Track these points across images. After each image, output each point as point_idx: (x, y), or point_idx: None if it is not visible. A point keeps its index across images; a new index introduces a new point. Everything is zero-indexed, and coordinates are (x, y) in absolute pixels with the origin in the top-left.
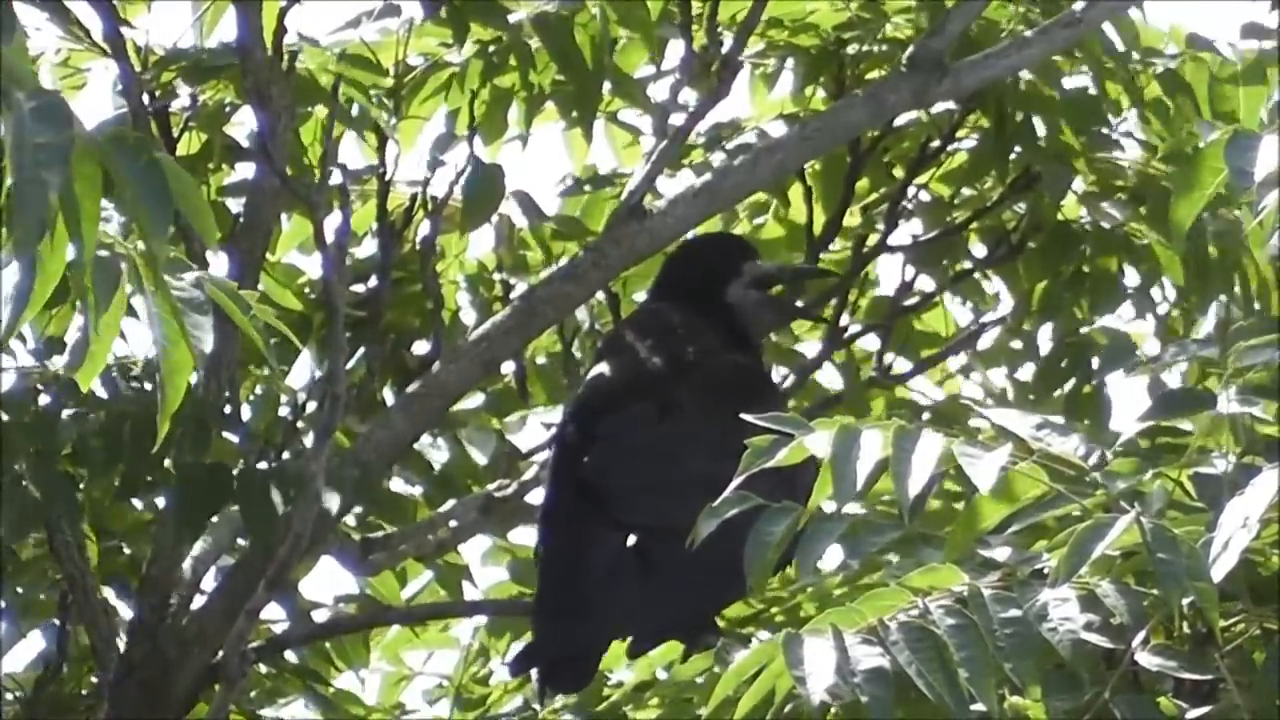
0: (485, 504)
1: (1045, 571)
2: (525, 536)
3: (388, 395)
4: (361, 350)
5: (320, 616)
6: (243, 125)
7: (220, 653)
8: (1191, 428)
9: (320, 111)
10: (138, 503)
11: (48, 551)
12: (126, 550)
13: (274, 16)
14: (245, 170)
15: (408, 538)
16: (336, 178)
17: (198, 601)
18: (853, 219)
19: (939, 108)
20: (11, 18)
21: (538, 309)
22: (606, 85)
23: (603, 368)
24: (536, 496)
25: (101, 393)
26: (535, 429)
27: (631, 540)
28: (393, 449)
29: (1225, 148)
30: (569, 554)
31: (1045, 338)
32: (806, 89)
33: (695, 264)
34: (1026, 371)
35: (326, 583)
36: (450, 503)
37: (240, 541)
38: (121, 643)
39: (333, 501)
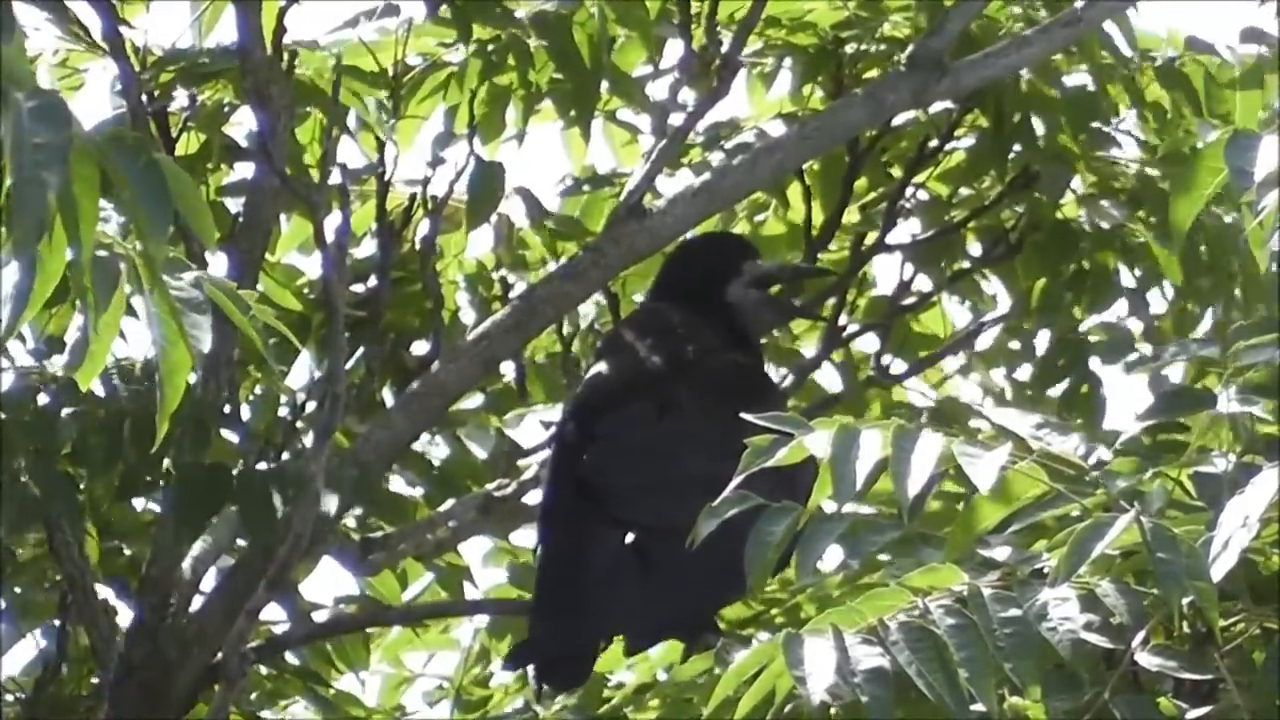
0: (484, 503)
1: (1045, 571)
2: (526, 538)
3: (387, 395)
4: (361, 350)
5: (320, 617)
6: (241, 125)
7: (220, 653)
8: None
9: (319, 112)
10: (138, 503)
11: (47, 551)
12: (126, 550)
13: (273, 16)
14: (244, 170)
15: (407, 537)
16: (336, 177)
17: (197, 602)
18: (851, 218)
19: (937, 107)
20: (11, 18)
21: (537, 308)
22: (605, 84)
23: (602, 367)
24: (536, 497)
25: (101, 392)
26: (534, 427)
27: (630, 539)
28: (392, 449)
29: (1225, 148)
30: (568, 552)
31: (1043, 337)
32: (804, 88)
33: (695, 263)
34: (1025, 372)
35: (327, 584)
36: (450, 502)
37: (240, 542)
38: (121, 643)
39: (331, 503)
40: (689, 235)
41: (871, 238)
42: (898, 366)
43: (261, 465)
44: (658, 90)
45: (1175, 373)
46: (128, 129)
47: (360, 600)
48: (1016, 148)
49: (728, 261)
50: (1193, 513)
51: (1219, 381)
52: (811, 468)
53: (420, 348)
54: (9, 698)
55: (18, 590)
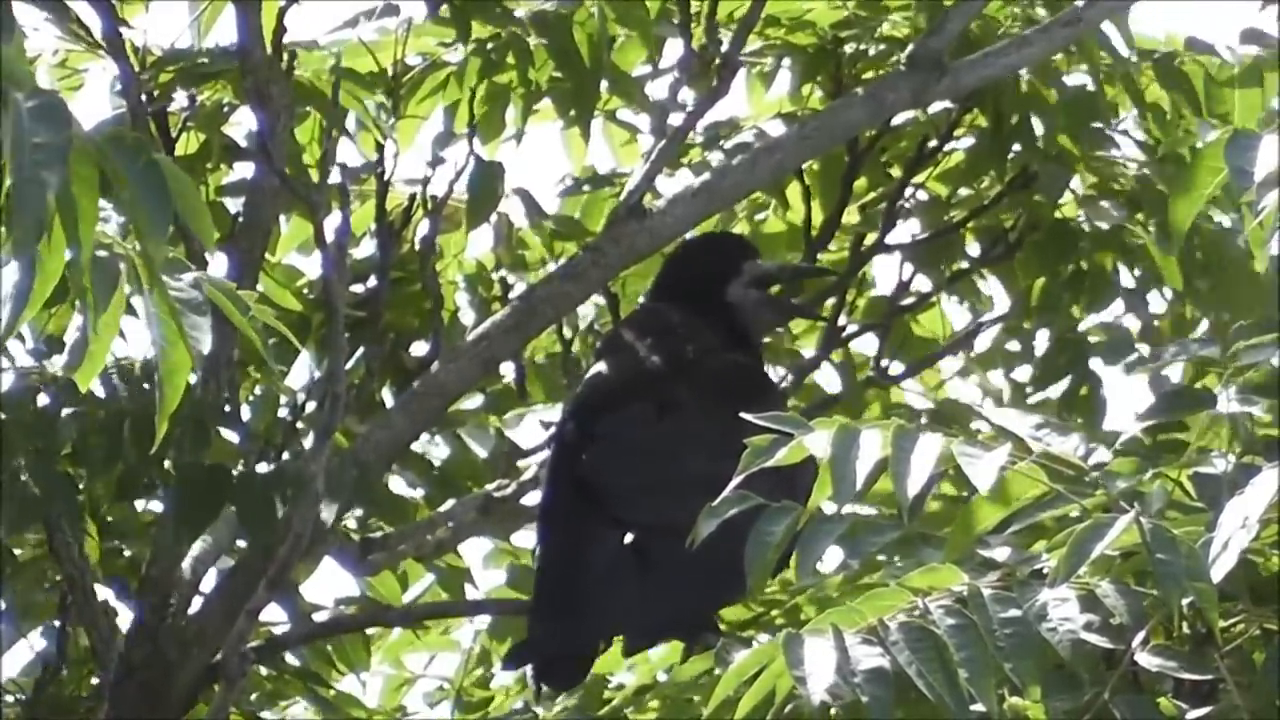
0: (484, 504)
1: (1045, 572)
2: (527, 539)
3: (387, 395)
4: (361, 350)
5: (320, 618)
6: (241, 125)
7: (220, 653)
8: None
9: (318, 112)
10: (138, 503)
11: (47, 552)
12: (126, 551)
13: (273, 16)
14: (244, 170)
15: (406, 538)
16: (336, 177)
17: (197, 602)
18: (850, 218)
19: (936, 107)
20: (10, 18)
21: (537, 308)
22: (604, 84)
23: (602, 367)
24: (535, 498)
25: (101, 392)
26: (534, 427)
27: (630, 539)
28: (392, 449)
29: (1225, 148)
30: (567, 552)
31: (1042, 337)
32: (804, 88)
33: (695, 263)
34: (1024, 373)
35: (327, 586)
36: (450, 503)
37: (240, 542)
38: (121, 644)
39: (330, 510)
40: (689, 235)
41: (871, 238)
42: (896, 368)
43: (262, 465)
44: (657, 90)
45: (1174, 373)
46: (127, 129)
47: (360, 602)
48: (1016, 147)
49: (728, 261)
50: (1192, 513)
51: (1219, 381)
52: (811, 468)
53: (420, 348)
54: (9, 698)
55: (17, 591)
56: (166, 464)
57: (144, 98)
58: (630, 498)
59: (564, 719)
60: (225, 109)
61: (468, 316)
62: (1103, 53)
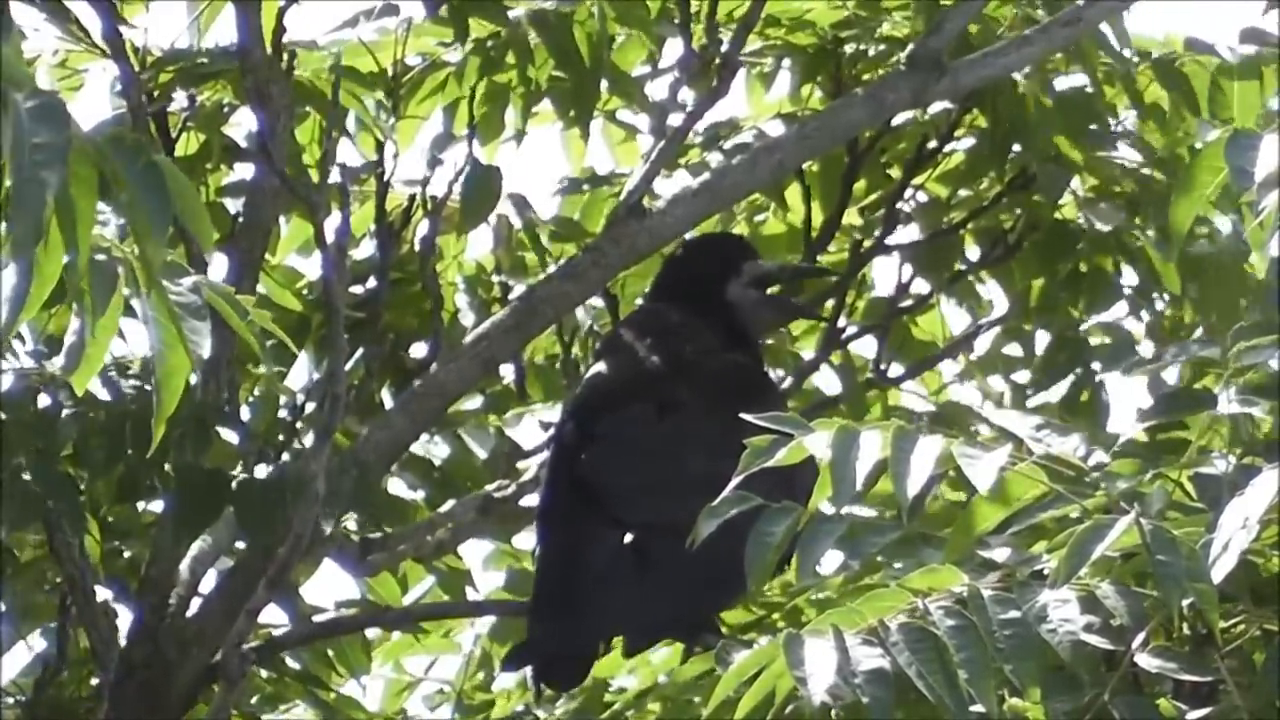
0: (484, 504)
1: (1045, 573)
2: (528, 542)
3: (387, 396)
4: (360, 351)
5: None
6: (241, 125)
7: (220, 653)
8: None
9: (318, 112)
10: (139, 504)
11: (48, 553)
12: (126, 551)
13: (273, 16)
14: (244, 170)
15: (406, 538)
16: (336, 177)
17: (197, 602)
18: (850, 219)
19: (936, 107)
20: (10, 18)
21: (537, 308)
22: (604, 83)
23: (602, 367)
24: (535, 499)
25: (101, 393)
26: (534, 428)
27: (629, 539)
28: (392, 449)
29: (1225, 147)
30: (567, 552)
31: (1042, 337)
32: (804, 88)
33: (694, 263)
34: (1024, 376)
35: (328, 587)
36: (450, 503)
37: (239, 543)
38: (121, 644)
39: (330, 513)
40: (688, 235)
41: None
42: (895, 370)
43: (262, 466)
44: (657, 90)
45: (1174, 374)
46: (127, 130)
47: (360, 604)
48: (1016, 148)
49: (727, 261)
50: (1193, 514)
51: (1219, 382)
52: (811, 468)
53: (420, 348)
54: (9, 699)
55: (17, 592)
56: (167, 465)
57: (144, 98)
58: (630, 498)
59: None
60: (225, 109)
61: (467, 317)
62: (1101, 53)
